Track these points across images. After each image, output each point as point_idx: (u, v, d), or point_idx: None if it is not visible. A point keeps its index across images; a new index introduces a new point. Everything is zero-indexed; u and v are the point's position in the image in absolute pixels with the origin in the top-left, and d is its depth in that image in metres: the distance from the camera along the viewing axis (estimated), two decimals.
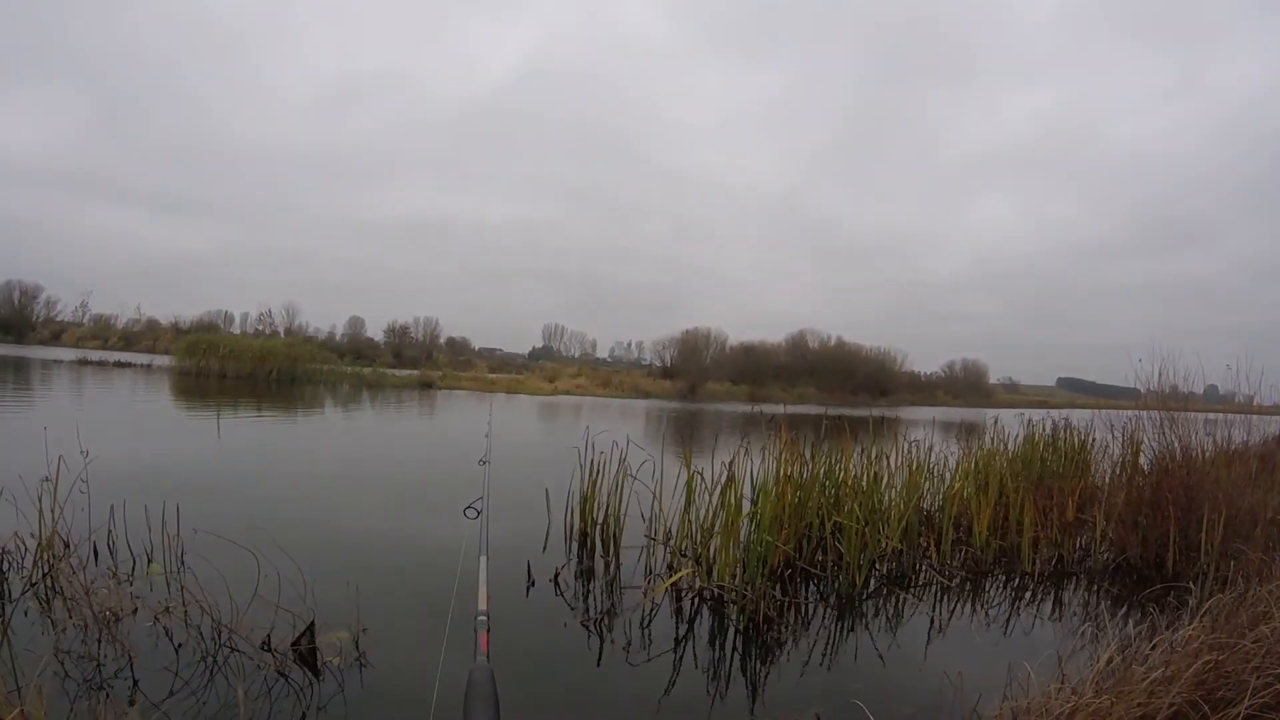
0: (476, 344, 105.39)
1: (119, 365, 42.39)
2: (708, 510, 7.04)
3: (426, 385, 44.90)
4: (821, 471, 8.04)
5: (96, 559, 6.14)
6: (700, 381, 65.45)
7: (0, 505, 5.89)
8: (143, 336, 71.41)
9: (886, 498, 8.24)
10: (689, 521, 7.20)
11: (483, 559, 1.06)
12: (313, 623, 4.57)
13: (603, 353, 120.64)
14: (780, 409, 8.88)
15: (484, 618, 0.97)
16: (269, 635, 4.47)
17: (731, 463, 7.04)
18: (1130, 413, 10.19)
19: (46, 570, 5.53)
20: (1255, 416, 10.58)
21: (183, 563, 6.08)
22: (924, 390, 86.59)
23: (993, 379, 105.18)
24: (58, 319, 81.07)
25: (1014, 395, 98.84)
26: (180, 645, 4.50)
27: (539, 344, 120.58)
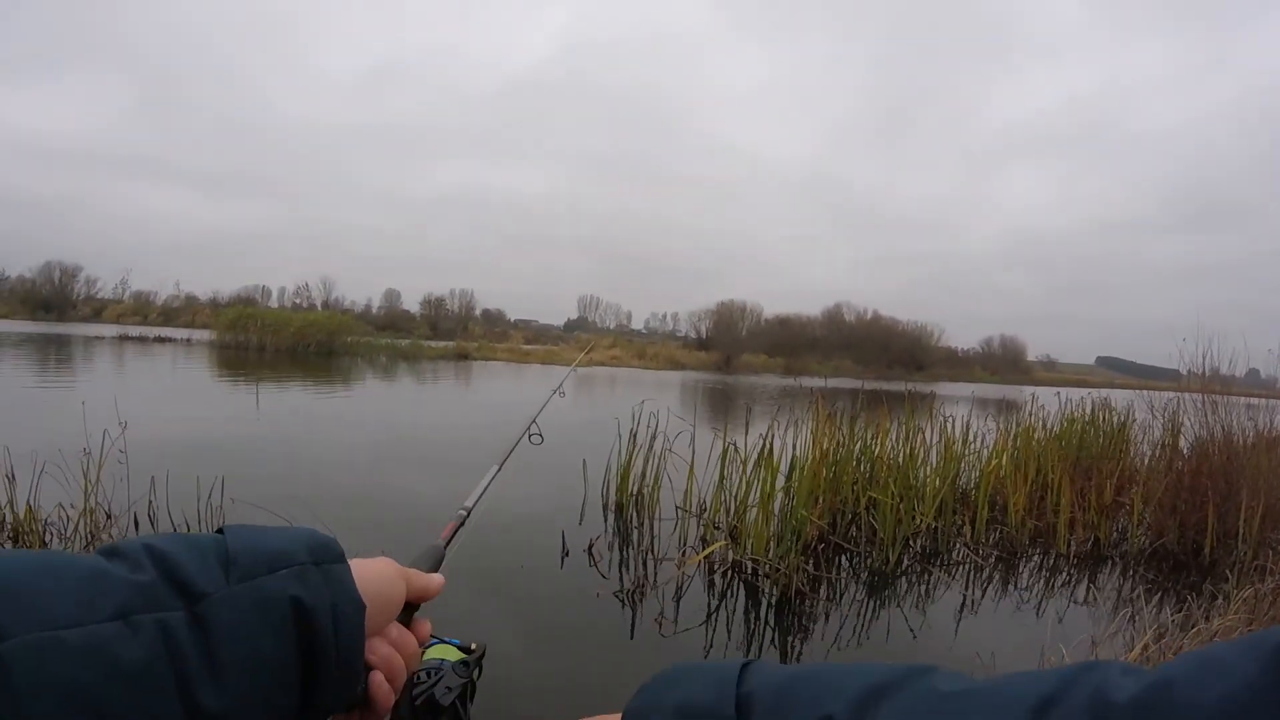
0: (512, 315, 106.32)
1: (159, 340, 43.15)
2: (742, 483, 7.06)
3: (462, 357, 45.30)
4: (857, 446, 8.02)
5: (137, 529, 6.26)
6: (736, 353, 65.38)
7: (44, 478, 6.06)
8: (182, 312, 72.92)
9: (922, 474, 8.21)
10: (724, 493, 7.23)
11: (494, 467, 1.05)
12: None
13: (638, 324, 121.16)
14: (818, 382, 8.82)
15: (464, 512, 0.95)
16: None
17: (767, 436, 7.04)
18: (1171, 394, 10.05)
19: (88, 541, 5.67)
20: None
21: (220, 533, 6.20)
22: (961, 366, 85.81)
23: (1031, 356, 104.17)
24: (98, 296, 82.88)
25: (1052, 373, 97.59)
26: None
27: (574, 315, 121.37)
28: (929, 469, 8.35)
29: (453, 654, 0.86)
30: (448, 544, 0.96)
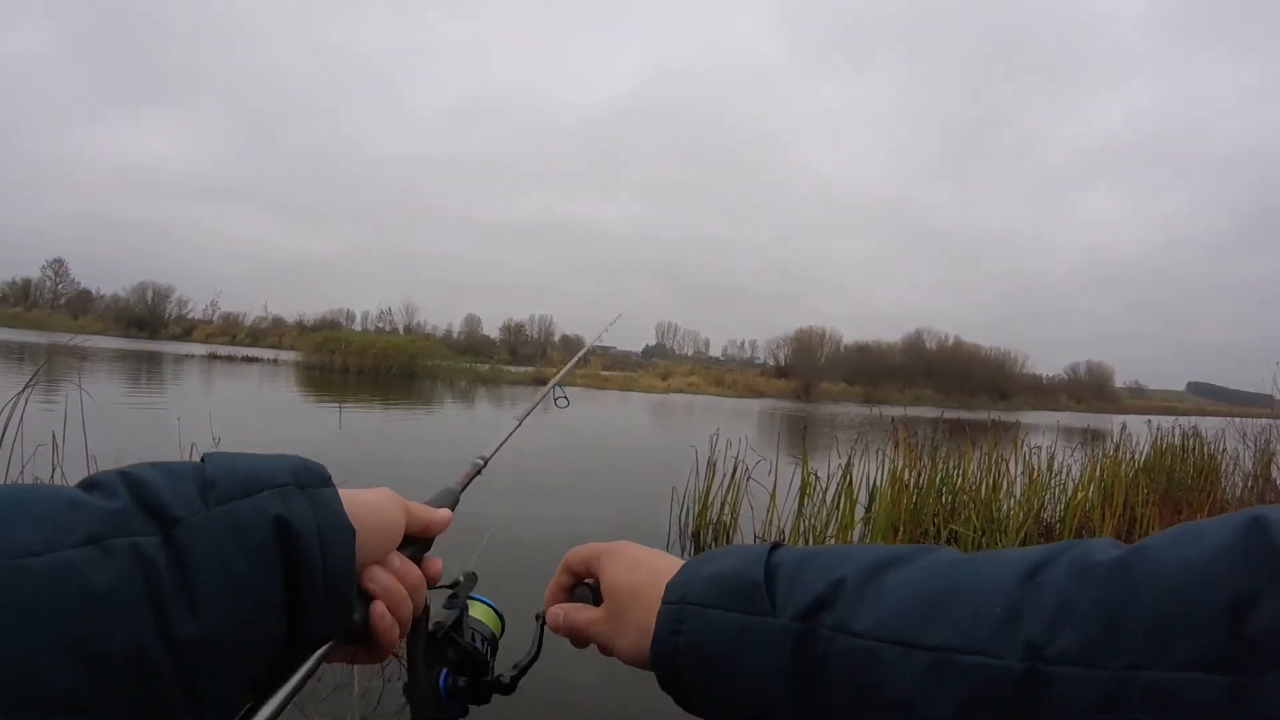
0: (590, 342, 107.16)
1: (247, 360, 44.73)
2: (820, 511, 7.05)
3: (540, 382, 45.54)
4: (939, 477, 7.93)
5: None
6: (814, 381, 64.79)
7: None
8: (269, 333, 75.27)
9: (1005, 506, 8.08)
10: (802, 522, 7.22)
11: (514, 423, 1.07)
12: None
13: (715, 351, 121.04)
14: (899, 411, 8.81)
15: (480, 461, 0.94)
16: None
17: (847, 465, 7.03)
18: (1264, 421, 9.73)
19: None
20: None
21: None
22: (1046, 394, 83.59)
23: (1118, 383, 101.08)
24: (189, 316, 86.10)
25: (1140, 400, 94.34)
26: None
27: (652, 342, 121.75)
28: (1013, 501, 8.21)
29: (479, 610, 0.85)
30: (463, 489, 0.95)
